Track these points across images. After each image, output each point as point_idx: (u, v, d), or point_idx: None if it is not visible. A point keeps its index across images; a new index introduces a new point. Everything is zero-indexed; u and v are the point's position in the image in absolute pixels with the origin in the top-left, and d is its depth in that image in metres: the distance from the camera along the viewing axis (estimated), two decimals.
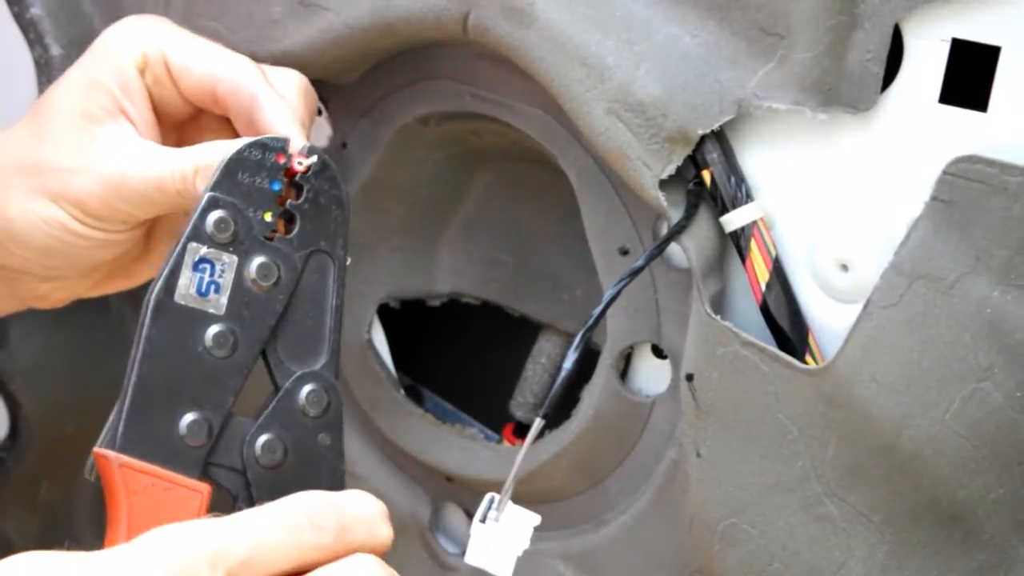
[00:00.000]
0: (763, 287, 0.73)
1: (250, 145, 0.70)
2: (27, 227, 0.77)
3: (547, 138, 0.81)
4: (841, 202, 0.72)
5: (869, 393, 0.68)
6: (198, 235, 0.69)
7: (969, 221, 0.65)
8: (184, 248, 0.69)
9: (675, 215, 0.73)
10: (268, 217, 0.70)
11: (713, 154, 0.73)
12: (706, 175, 0.73)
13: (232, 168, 0.70)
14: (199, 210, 0.69)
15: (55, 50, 0.91)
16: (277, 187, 0.71)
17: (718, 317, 0.73)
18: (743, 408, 0.73)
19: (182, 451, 0.69)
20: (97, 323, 1.04)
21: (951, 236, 0.66)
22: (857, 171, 0.71)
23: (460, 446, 0.93)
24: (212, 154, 0.72)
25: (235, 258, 0.70)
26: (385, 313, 0.96)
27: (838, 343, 0.69)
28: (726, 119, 0.71)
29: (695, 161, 0.73)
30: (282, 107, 0.75)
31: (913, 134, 0.68)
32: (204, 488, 0.69)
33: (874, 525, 0.70)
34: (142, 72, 0.77)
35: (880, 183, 0.70)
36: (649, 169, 0.72)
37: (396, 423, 0.95)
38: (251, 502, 0.70)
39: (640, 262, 0.73)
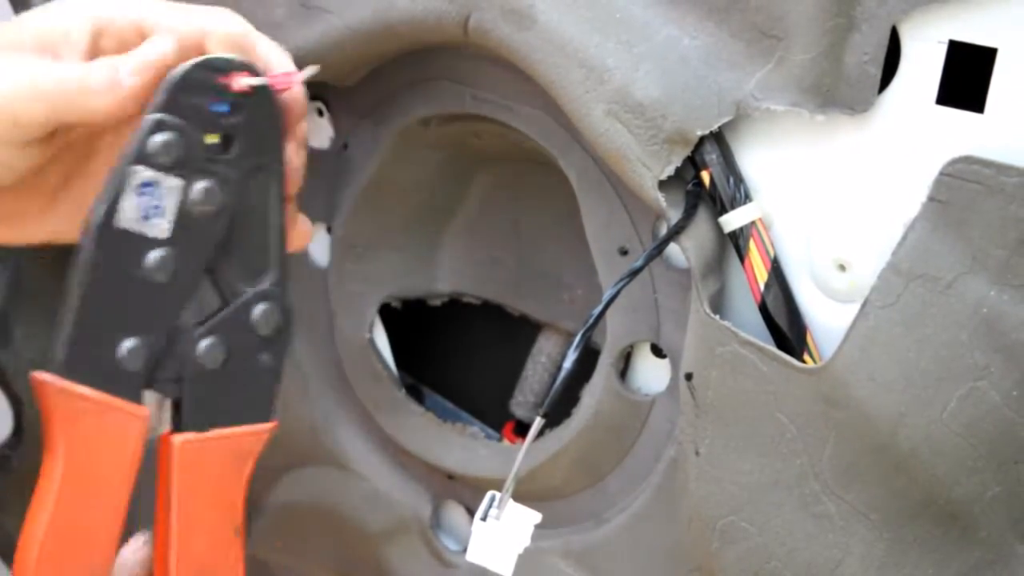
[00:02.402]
0: (762, 287, 0.73)
1: (197, 65, 0.68)
2: None
3: (547, 139, 0.82)
4: (839, 203, 0.72)
5: (867, 392, 0.68)
6: (143, 158, 0.67)
7: (966, 221, 0.66)
8: (126, 171, 0.67)
9: (674, 215, 0.73)
10: (211, 139, 0.69)
11: (712, 155, 0.73)
12: (705, 176, 0.73)
13: (178, 89, 0.68)
14: (144, 132, 0.67)
15: None
16: (221, 108, 0.69)
17: (717, 317, 0.73)
18: (742, 407, 0.73)
19: (122, 375, 0.68)
20: None
21: (948, 236, 0.66)
22: (855, 172, 0.71)
23: (461, 444, 0.94)
24: (147, 55, 0.68)
25: (179, 181, 0.68)
26: (386, 313, 0.96)
27: (836, 342, 0.70)
28: (725, 120, 0.71)
29: (694, 162, 0.73)
30: (272, 42, 0.73)
31: (910, 135, 0.69)
32: (143, 412, 0.68)
33: (871, 523, 0.71)
34: (99, 36, 0.70)
35: (878, 184, 0.70)
36: (648, 170, 0.72)
37: (397, 422, 0.95)
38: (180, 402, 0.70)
39: (640, 262, 0.74)
